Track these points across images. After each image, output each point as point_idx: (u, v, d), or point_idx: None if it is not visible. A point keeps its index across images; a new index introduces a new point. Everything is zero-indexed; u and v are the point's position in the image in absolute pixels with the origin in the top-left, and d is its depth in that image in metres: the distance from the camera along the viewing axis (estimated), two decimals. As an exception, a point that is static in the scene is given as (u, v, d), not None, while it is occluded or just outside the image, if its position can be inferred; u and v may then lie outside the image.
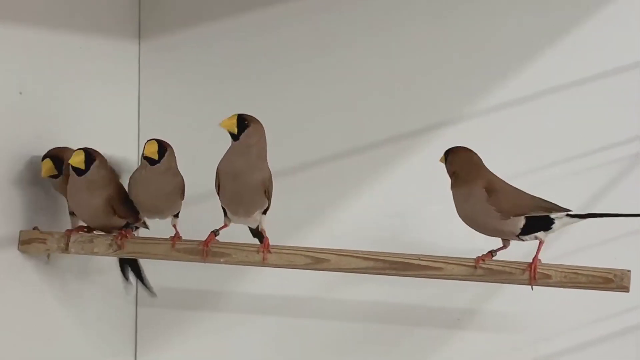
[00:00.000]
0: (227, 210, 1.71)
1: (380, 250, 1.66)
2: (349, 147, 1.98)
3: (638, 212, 1.72)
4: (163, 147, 1.70)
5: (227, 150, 1.65)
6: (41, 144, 1.79)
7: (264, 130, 1.66)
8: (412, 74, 1.96)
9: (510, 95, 1.91)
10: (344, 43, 2.01)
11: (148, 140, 1.68)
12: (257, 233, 1.77)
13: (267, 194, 1.68)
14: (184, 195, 1.75)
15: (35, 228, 1.78)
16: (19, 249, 1.77)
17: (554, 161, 1.89)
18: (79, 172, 1.69)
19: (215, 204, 1.71)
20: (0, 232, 1.73)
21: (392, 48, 1.97)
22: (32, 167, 1.78)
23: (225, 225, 1.73)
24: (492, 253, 1.62)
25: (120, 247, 1.75)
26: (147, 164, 1.70)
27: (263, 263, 1.70)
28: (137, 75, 2.14)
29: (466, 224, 1.62)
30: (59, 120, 1.80)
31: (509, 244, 1.64)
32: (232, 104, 1.88)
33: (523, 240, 1.62)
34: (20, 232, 1.77)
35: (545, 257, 1.60)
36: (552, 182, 1.88)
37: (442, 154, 1.65)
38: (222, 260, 1.72)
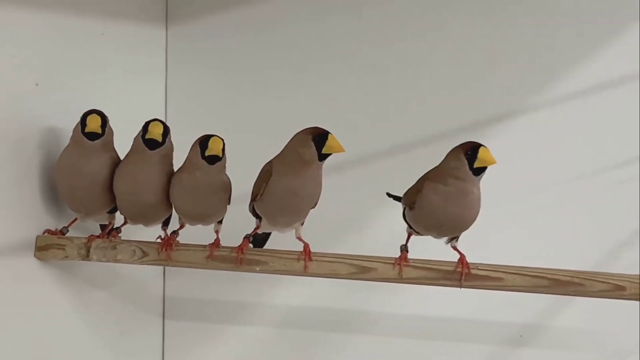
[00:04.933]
0: (262, 218, 1.60)
1: (432, 259, 1.55)
2: (399, 142, 1.89)
3: None
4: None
5: (285, 158, 1.54)
6: (59, 140, 1.70)
7: None
8: (472, 66, 1.88)
9: (577, 87, 1.83)
10: (396, 31, 1.93)
11: (211, 136, 1.57)
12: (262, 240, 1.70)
13: (314, 206, 1.58)
14: (230, 200, 1.64)
15: (47, 232, 1.70)
16: (35, 255, 1.68)
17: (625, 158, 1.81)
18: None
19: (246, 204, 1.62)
20: (15, 237, 1.64)
21: (452, 38, 1.90)
22: (48, 165, 1.69)
23: (258, 227, 1.63)
24: (406, 250, 1.56)
25: (167, 259, 1.66)
26: (205, 164, 1.58)
27: (304, 272, 1.59)
28: (164, 64, 2.08)
29: (445, 223, 1.51)
30: (78, 113, 1.67)
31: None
32: (264, 95, 1.95)
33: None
34: (37, 237, 1.69)
35: (618, 266, 1.58)
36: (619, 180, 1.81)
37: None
38: (257, 268, 1.61)
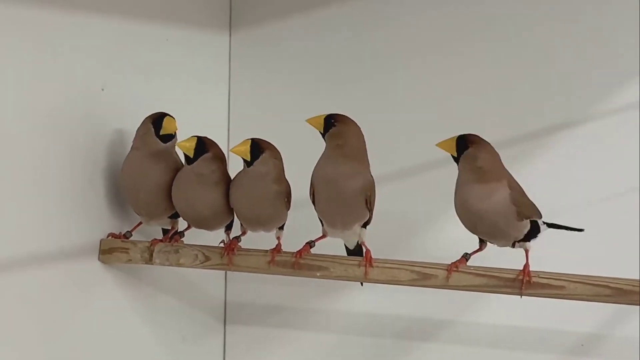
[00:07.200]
0: (323, 222, 1.60)
1: (494, 266, 1.53)
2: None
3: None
4: (259, 148, 1.57)
5: (321, 155, 1.56)
6: (124, 144, 1.72)
7: (359, 129, 1.56)
8: (535, 71, 1.85)
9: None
10: (459, 38, 1.90)
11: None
12: (356, 252, 1.66)
13: (369, 203, 1.56)
14: (289, 205, 1.64)
15: (111, 235, 1.71)
16: (99, 259, 1.70)
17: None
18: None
19: (313, 211, 1.61)
20: (79, 241, 1.66)
21: (510, 45, 1.87)
22: (113, 169, 1.71)
23: (323, 236, 1.62)
24: (466, 258, 1.54)
25: (229, 264, 1.65)
26: (245, 166, 1.59)
27: (364, 278, 1.58)
28: (227, 69, 2.08)
29: (470, 223, 1.52)
30: (143, 118, 1.69)
31: (485, 246, 1.56)
32: (328, 102, 1.88)
33: (513, 247, 1.54)
34: (101, 241, 1.70)
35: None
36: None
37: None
38: (318, 274, 1.61)
